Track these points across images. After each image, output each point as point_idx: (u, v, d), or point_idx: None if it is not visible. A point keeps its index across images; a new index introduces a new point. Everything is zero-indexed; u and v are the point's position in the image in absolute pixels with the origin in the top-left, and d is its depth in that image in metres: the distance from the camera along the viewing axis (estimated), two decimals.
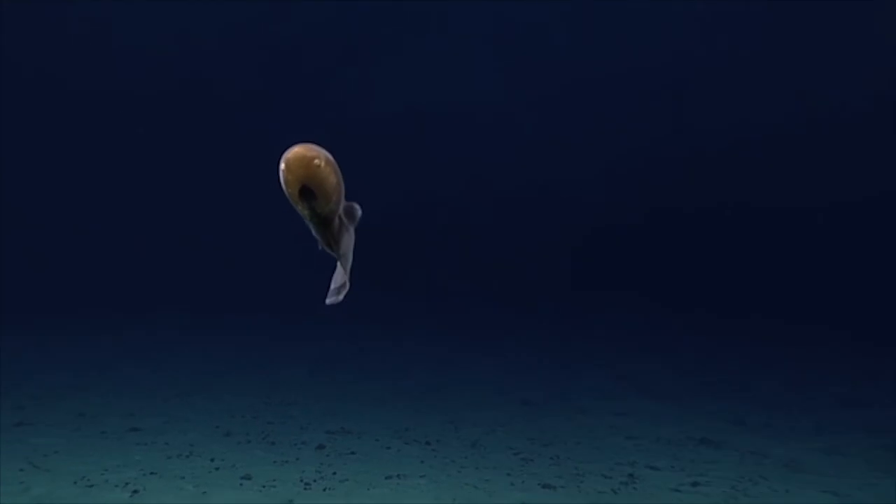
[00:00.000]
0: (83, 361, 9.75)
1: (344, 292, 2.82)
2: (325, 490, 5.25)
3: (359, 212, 2.60)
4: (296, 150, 2.18)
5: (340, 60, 26.41)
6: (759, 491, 5.61)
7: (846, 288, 18.00)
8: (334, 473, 5.63)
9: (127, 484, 5.25)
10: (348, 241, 2.66)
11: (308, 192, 2.24)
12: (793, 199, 23.04)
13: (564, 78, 26.89)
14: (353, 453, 6.17)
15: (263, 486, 5.27)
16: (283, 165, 2.19)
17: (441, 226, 24.39)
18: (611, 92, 26.50)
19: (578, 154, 25.94)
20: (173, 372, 9.29)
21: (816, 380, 10.34)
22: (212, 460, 5.87)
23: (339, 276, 2.84)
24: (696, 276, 20.09)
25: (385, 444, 6.50)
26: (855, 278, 18.63)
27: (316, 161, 2.20)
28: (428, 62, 25.45)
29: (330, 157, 2.24)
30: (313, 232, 2.49)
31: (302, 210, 2.35)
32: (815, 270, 19.75)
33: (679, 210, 24.02)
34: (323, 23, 26.19)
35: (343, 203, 2.45)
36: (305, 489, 5.26)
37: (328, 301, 2.75)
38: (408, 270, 20.31)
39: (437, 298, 17.95)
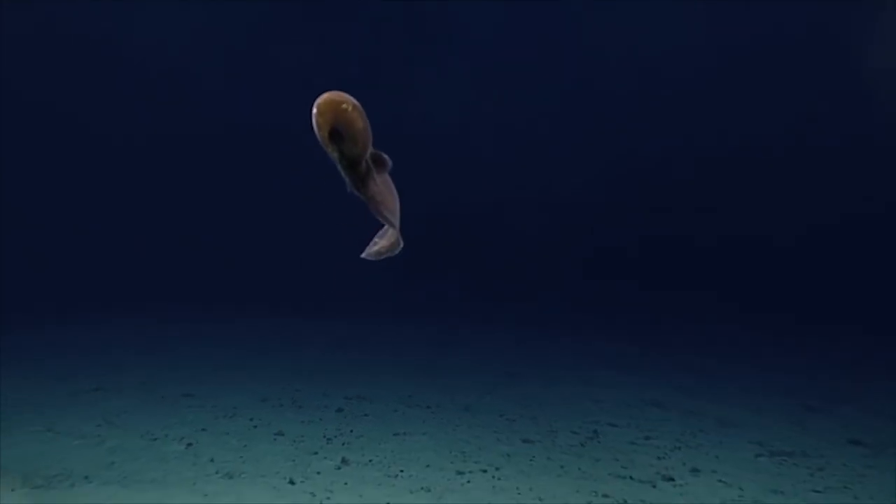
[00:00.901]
0: (140, 344, 9.72)
1: (393, 251, 2.70)
2: (343, 444, 5.39)
3: (389, 161, 2.47)
4: (326, 96, 2.19)
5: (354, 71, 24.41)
6: (697, 442, 5.83)
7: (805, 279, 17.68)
8: (351, 431, 5.76)
9: (182, 438, 5.42)
10: (380, 189, 2.52)
11: (337, 134, 2.21)
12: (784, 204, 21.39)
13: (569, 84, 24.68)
14: (366, 415, 6.27)
15: (294, 441, 5.42)
16: (314, 110, 2.17)
17: (446, 223, 22.41)
18: (613, 95, 24.18)
19: (578, 157, 24.19)
20: (215, 352, 9.25)
21: (749, 355, 10.47)
22: (251, 420, 6.00)
23: (387, 236, 2.69)
24: (678, 267, 19.45)
25: (393, 407, 6.58)
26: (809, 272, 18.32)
27: (344, 105, 2.19)
28: (434, 74, 23.51)
29: (357, 103, 2.21)
30: (342, 174, 2.40)
31: (332, 152, 2.29)
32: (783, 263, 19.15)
33: (675, 208, 22.64)
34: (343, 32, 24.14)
35: (370, 149, 2.36)
36: (328, 443, 5.40)
37: (363, 255, 2.68)
38: (411, 264, 19.53)
39: (436, 289, 17.59)
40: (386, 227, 2.73)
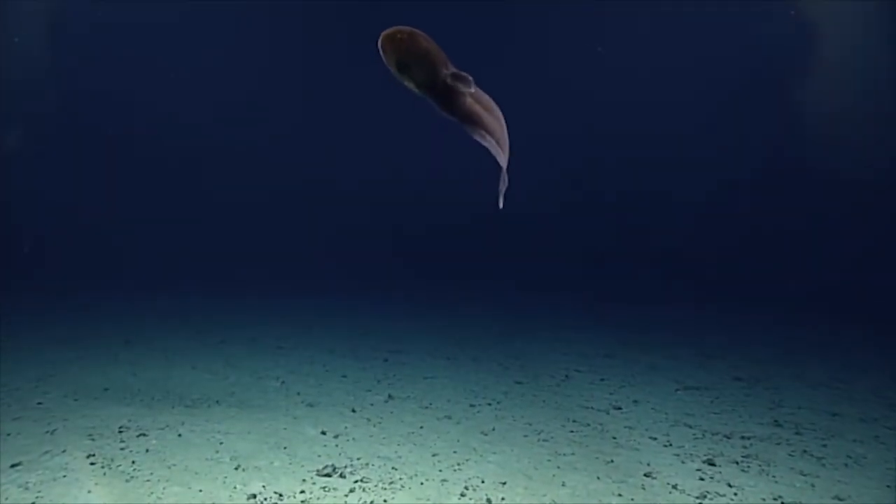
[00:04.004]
0: (248, 312, 9.67)
1: (503, 188, 2.13)
2: (389, 384, 5.49)
3: (469, 77, 1.90)
4: (382, 34, 1.82)
5: None
6: (636, 381, 5.96)
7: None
8: (394, 374, 5.86)
9: (278, 377, 5.61)
10: (473, 109, 1.96)
11: (403, 64, 1.83)
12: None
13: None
14: (404, 364, 6.36)
15: (354, 381, 5.55)
16: (379, 50, 1.82)
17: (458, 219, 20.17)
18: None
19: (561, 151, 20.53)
20: (297, 319, 9.19)
21: (670, 320, 10.33)
22: (323, 366, 6.15)
23: (503, 181, 2.14)
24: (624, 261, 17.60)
25: (422, 359, 6.65)
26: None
27: (399, 35, 1.81)
28: None
29: (416, 31, 1.83)
30: (430, 101, 1.93)
31: (407, 83, 1.88)
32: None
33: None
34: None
35: (447, 70, 1.87)
36: (378, 383, 5.50)
37: (500, 206, 2.16)
38: (428, 253, 18.43)
39: (447, 274, 16.80)
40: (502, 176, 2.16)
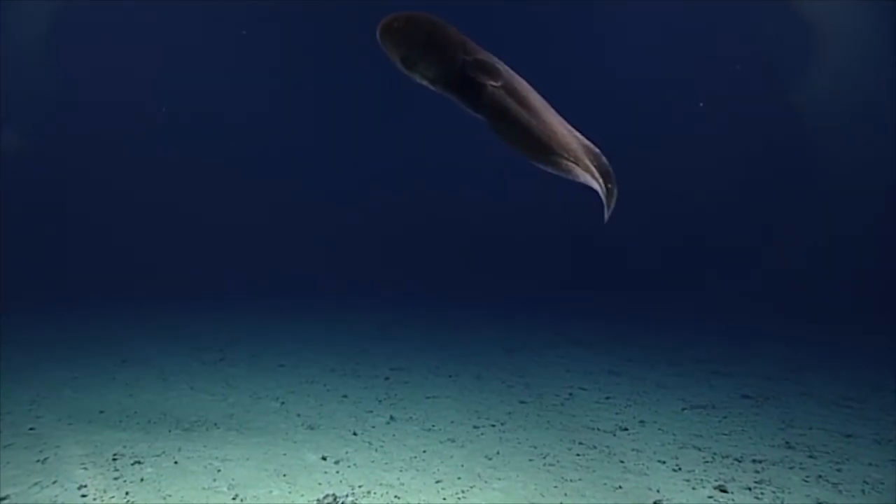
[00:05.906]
0: (247, 328, 9.44)
1: (610, 205, 1.76)
2: (391, 405, 5.35)
3: (496, 66, 1.49)
4: (380, 23, 1.46)
5: None
6: (643, 399, 5.82)
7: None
8: (396, 394, 5.73)
9: (278, 398, 5.47)
10: (506, 104, 1.49)
11: (408, 59, 1.48)
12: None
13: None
14: (406, 382, 6.23)
15: (355, 402, 5.41)
16: (379, 42, 1.46)
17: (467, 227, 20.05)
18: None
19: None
20: (298, 335, 9.02)
21: (673, 333, 10.23)
22: (324, 385, 6.02)
23: (605, 200, 1.77)
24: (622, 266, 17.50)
25: (424, 377, 6.51)
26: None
27: (395, 24, 1.45)
28: None
29: (416, 14, 1.46)
30: (454, 100, 1.52)
31: (419, 79, 1.53)
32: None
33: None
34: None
35: (467, 56, 1.48)
36: (379, 404, 5.37)
37: (606, 220, 1.84)
38: (431, 262, 18.35)
39: (451, 285, 16.70)
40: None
